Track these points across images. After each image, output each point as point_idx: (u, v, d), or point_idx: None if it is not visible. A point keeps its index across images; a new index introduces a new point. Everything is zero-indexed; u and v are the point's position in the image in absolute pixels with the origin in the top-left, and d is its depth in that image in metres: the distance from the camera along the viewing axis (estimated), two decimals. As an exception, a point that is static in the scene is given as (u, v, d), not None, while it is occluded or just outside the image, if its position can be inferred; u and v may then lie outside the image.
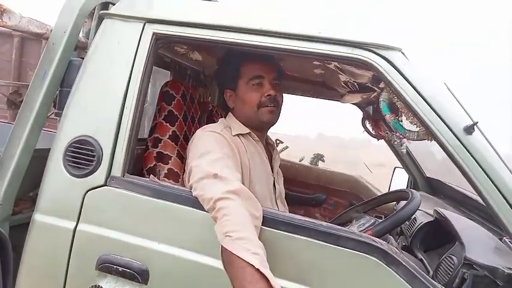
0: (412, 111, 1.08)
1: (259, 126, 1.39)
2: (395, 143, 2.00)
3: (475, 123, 1.02)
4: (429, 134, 1.08)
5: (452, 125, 1.04)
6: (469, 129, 1.03)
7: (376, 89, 1.68)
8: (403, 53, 1.11)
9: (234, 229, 0.95)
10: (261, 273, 0.89)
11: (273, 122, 1.40)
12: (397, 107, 1.14)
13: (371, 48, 1.10)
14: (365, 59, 1.10)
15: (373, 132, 2.18)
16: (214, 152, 1.17)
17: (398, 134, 1.97)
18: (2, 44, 3.40)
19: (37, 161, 1.23)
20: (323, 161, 5.35)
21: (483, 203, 1.05)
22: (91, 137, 1.19)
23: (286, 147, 3.73)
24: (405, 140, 2.00)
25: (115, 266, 1.11)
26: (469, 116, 1.04)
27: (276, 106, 1.35)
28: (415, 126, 1.13)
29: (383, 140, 2.17)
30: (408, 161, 2.30)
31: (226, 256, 0.94)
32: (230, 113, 1.43)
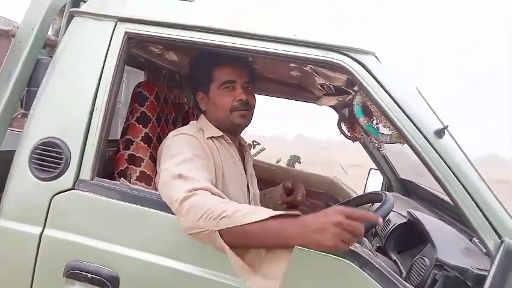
0: (385, 114, 1.09)
1: (231, 129, 1.38)
2: (375, 145, 2.02)
3: (445, 127, 1.04)
4: (401, 137, 1.09)
5: (423, 129, 1.06)
6: (440, 133, 1.04)
7: (351, 91, 1.69)
8: (376, 57, 1.12)
9: (221, 211, 0.94)
10: (277, 216, 0.91)
11: (245, 125, 1.39)
12: (370, 111, 1.15)
13: (345, 52, 1.10)
14: (338, 62, 1.10)
15: (348, 134, 2.20)
16: (183, 154, 1.15)
17: (360, 135, 2.00)
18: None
19: (1, 164, 1.18)
20: (300, 162, 5.38)
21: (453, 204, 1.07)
22: (58, 138, 1.15)
23: (264, 148, 3.72)
24: (382, 143, 2.04)
25: (83, 273, 1.08)
26: (439, 120, 1.06)
27: (248, 110, 1.35)
28: (388, 129, 1.15)
29: (358, 141, 2.20)
30: (382, 163, 2.34)
31: (233, 235, 0.92)
32: (202, 116, 1.41)
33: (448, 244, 1.25)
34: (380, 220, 0.94)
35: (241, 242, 0.95)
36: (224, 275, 1.05)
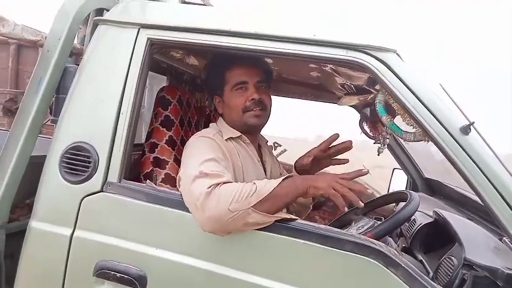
0: (408, 112, 1.07)
1: (247, 130, 1.39)
2: (379, 142, 2.00)
3: (471, 123, 1.02)
4: (426, 135, 1.08)
5: (448, 126, 1.04)
6: (466, 130, 1.02)
7: (372, 90, 1.68)
8: (398, 54, 1.11)
9: (248, 190, 1.04)
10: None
11: (260, 125, 1.40)
12: (393, 109, 1.14)
13: (366, 50, 1.10)
14: (359, 61, 1.10)
15: (371, 134, 2.18)
16: (203, 155, 1.16)
17: (383, 133, 1.98)
18: (-2, 52, 3.40)
19: (33, 168, 1.23)
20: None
21: (482, 203, 1.05)
22: (87, 143, 1.18)
23: (285, 150, 3.71)
24: (387, 140, 2.01)
25: (112, 272, 1.10)
26: (465, 116, 1.04)
27: (262, 109, 1.35)
28: (412, 127, 1.13)
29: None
30: (406, 162, 2.30)
31: (264, 204, 1.04)
32: (220, 118, 1.44)
33: (476, 243, 1.22)
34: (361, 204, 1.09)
35: (270, 207, 1.06)
36: (251, 275, 1.06)
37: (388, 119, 1.15)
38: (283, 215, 1.08)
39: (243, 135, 1.38)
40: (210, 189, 1.03)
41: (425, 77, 1.08)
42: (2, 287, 0.76)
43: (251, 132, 1.41)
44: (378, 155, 2.02)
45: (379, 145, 1.94)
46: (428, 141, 1.10)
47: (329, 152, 1.45)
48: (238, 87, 1.35)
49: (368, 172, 1.19)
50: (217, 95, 1.42)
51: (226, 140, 1.33)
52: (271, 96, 1.42)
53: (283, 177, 1.10)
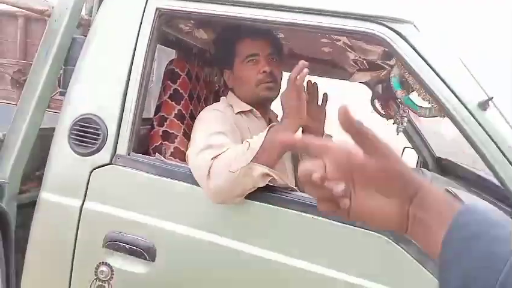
0: (424, 86, 1.04)
1: (259, 103, 1.37)
2: (396, 121, 1.96)
3: (490, 99, 0.98)
4: (441, 110, 1.05)
5: (465, 101, 1.00)
6: (484, 105, 0.99)
7: (386, 66, 1.63)
8: (415, 26, 1.06)
9: (242, 148, 1.05)
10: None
11: (272, 97, 1.38)
12: (409, 83, 1.11)
13: (381, 22, 1.05)
14: (374, 32, 1.06)
15: (382, 111, 2.14)
16: (212, 128, 1.16)
17: (401, 112, 1.93)
18: (6, 25, 3.36)
19: (43, 140, 1.23)
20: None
21: (497, 183, 1.02)
22: (95, 115, 1.17)
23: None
24: (405, 119, 1.97)
25: (121, 244, 1.11)
26: (484, 92, 1.01)
27: (273, 81, 1.33)
28: (427, 102, 1.10)
29: (389, 121, 2.13)
30: (418, 141, 2.26)
31: (260, 158, 1.03)
32: (230, 92, 1.42)
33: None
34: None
35: (270, 158, 1.05)
36: (260, 248, 1.06)
37: (403, 94, 1.12)
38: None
39: (253, 109, 1.36)
40: (212, 160, 1.03)
41: (444, 50, 1.04)
42: (12, 256, 0.77)
43: (262, 105, 1.40)
44: (397, 134, 1.99)
45: (397, 125, 1.90)
46: (443, 116, 1.07)
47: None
48: (249, 59, 1.33)
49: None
50: (227, 68, 1.40)
51: (236, 113, 1.32)
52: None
53: (268, 127, 1.11)
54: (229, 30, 1.33)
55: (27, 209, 1.22)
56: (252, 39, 1.33)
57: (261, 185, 1.05)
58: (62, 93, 1.27)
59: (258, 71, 1.32)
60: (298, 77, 1.09)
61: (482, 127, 0.99)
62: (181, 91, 1.45)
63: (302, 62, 1.09)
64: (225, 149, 1.07)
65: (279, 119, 1.71)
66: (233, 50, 1.35)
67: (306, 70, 1.09)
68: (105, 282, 1.12)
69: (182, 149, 1.37)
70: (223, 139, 1.12)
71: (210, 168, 1.03)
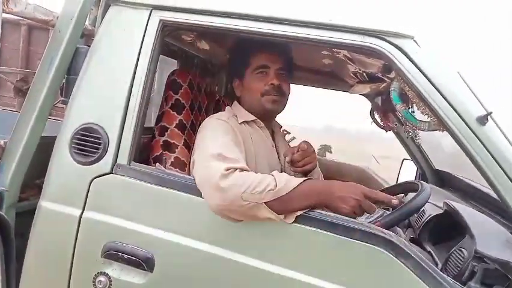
0: (424, 101, 1.05)
1: (263, 114, 1.39)
2: (409, 134, 1.97)
3: (489, 113, 1.00)
4: (441, 124, 1.05)
5: (464, 115, 1.01)
6: (482, 120, 1.00)
7: (386, 79, 1.65)
8: (415, 41, 1.08)
9: (265, 184, 1.01)
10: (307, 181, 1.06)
11: (276, 111, 1.41)
12: (408, 97, 1.12)
13: (382, 36, 1.07)
14: (375, 47, 1.07)
15: (381, 123, 2.15)
16: (219, 138, 1.17)
17: (409, 124, 1.94)
18: (10, 33, 3.39)
19: (44, 149, 1.23)
20: (331, 152, 5.31)
21: (495, 197, 1.03)
22: (97, 124, 1.18)
23: (293, 138, 3.70)
24: (416, 130, 1.97)
25: (120, 254, 1.11)
26: (483, 106, 1.02)
27: (280, 95, 1.36)
28: (426, 116, 1.11)
29: (389, 132, 2.14)
30: (416, 153, 2.27)
31: (279, 203, 1.01)
32: (235, 102, 1.44)
33: (487, 236, 1.20)
34: (395, 201, 1.07)
35: (285, 208, 1.03)
36: (259, 261, 1.06)
37: (403, 108, 1.12)
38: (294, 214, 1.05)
39: (257, 120, 1.38)
40: (227, 172, 1.02)
41: (443, 64, 1.06)
42: (13, 264, 0.77)
43: (266, 117, 1.42)
44: (407, 138, 1.97)
45: (411, 136, 1.90)
46: (442, 131, 1.08)
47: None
48: (259, 71, 1.36)
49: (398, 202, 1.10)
50: (237, 77, 1.43)
51: (240, 123, 1.33)
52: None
53: (304, 179, 1.06)
54: (246, 41, 1.36)
55: (26, 217, 1.22)
56: (265, 52, 1.36)
57: (256, 221, 1.05)
58: (64, 102, 1.27)
59: (266, 83, 1.35)
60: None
61: (481, 141, 1.00)
62: (182, 101, 1.46)
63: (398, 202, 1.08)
64: (240, 164, 1.06)
65: (287, 138, 1.71)
66: (247, 59, 1.38)
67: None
68: (103, 292, 1.11)
69: (182, 159, 1.37)
70: (233, 151, 1.12)
71: (224, 177, 1.01)
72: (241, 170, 1.05)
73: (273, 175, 1.05)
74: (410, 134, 1.88)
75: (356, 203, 1.02)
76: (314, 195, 1.05)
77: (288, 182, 1.03)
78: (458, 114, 1.01)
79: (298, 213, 1.04)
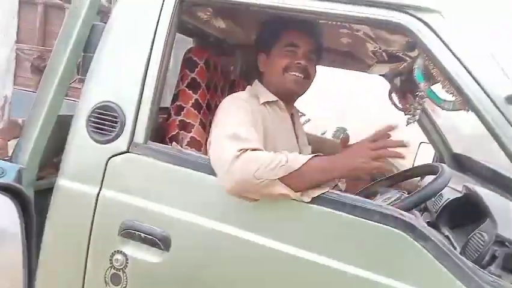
0: (449, 79, 1.01)
1: (284, 94, 1.36)
2: (409, 113, 1.92)
3: (519, 93, 0.95)
4: (466, 103, 1.01)
5: (492, 94, 0.97)
6: (511, 99, 0.96)
7: (406, 58, 1.60)
8: (442, 15, 1.03)
9: (278, 161, 1.00)
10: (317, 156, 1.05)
11: (297, 92, 1.37)
12: (432, 75, 1.08)
13: (407, 11, 1.02)
14: (400, 22, 1.03)
15: (400, 105, 2.11)
16: (236, 117, 1.15)
17: (415, 105, 1.90)
18: (26, 13, 3.40)
19: (61, 127, 1.23)
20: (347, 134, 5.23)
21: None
22: (114, 102, 1.17)
23: (309, 119, 3.66)
24: (418, 111, 1.93)
25: (137, 232, 1.11)
26: (513, 86, 0.97)
27: (304, 77, 1.33)
28: (451, 95, 1.07)
29: (405, 116, 2.09)
30: (435, 136, 2.22)
31: (291, 179, 1.00)
32: (256, 81, 1.41)
33: (509, 220, 1.17)
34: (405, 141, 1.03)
35: (298, 184, 1.02)
36: (275, 241, 1.05)
37: (426, 86, 1.08)
38: (313, 193, 1.04)
39: (279, 101, 1.35)
40: (240, 152, 1.01)
41: (472, 40, 1.01)
42: (34, 238, 0.78)
43: (287, 98, 1.39)
44: (407, 125, 1.95)
45: (409, 116, 1.86)
46: (468, 110, 1.04)
47: None
48: (289, 48, 1.33)
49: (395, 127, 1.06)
50: (264, 51, 1.39)
51: (261, 104, 1.30)
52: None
53: (312, 155, 1.05)
54: (280, 18, 1.32)
55: (44, 195, 1.24)
56: (299, 31, 1.34)
57: (273, 199, 1.03)
58: (81, 80, 1.27)
59: (292, 61, 1.32)
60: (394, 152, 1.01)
61: (509, 122, 0.96)
62: (198, 80, 1.44)
63: (406, 143, 1.03)
64: (254, 144, 1.05)
65: (302, 119, 1.70)
66: (277, 35, 1.35)
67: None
68: (119, 271, 1.12)
69: (198, 139, 1.36)
70: (249, 131, 1.11)
71: (236, 158, 1.00)
72: (254, 150, 1.04)
73: (283, 152, 1.04)
74: (411, 112, 1.84)
75: (366, 157, 1.00)
76: (327, 166, 1.04)
77: (298, 157, 1.03)
78: (485, 93, 0.97)
79: (317, 192, 1.03)
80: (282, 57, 1.33)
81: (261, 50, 1.41)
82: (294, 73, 1.31)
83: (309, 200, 1.03)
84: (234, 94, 1.33)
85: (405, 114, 1.94)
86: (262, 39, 1.44)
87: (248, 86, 1.42)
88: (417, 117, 1.92)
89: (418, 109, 1.86)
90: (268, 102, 1.33)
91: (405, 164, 2.53)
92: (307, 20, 1.27)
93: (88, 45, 1.26)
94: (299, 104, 1.55)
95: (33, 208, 1.17)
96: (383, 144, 1.01)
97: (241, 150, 1.02)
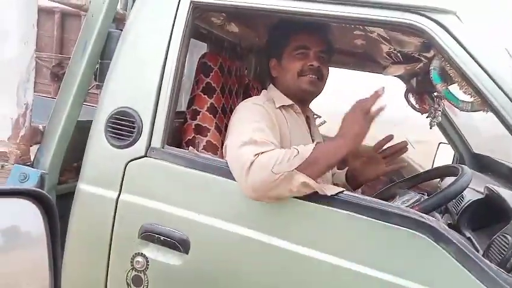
0: (467, 80, 0.99)
1: (299, 96, 1.36)
2: (431, 115, 1.90)
3: (539, 92, 0.93)
4: (485, 104, 1.00)
5: (511, 93, 0.95)
6: (532, 99, 0.93)
7: (422, 58, 1.58)
8: (458, 16, 1.01)
9: (289, 154, 1.02)
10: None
11: (313, 93, 1.37)
12: (449, 76, 1.06)
13: (422, 12, 1.01)
14: (415, 23, 1.02)
15: (417, 106, 2.08)
16: (252, 122, 1.15)
17: (436, 106, 1.87)
18: (44, 21, 3.48)
19: (80, 133, 1.26)
20: (363, 137, 5.15)
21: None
22: (131, 108, 1.19)
23: (324, 121, 3.63)
24: (439, 113, 1.90)
25: (156, 235, 1.13)
26: (533, 85, 0.95)
27: (318, 78, 1.32)
28: (469, 96, 1.05)
29: (423, 116, 2.07)
30: (454, 136, 2.19)
31: (307, 167, 1.01)
32: (271, 85, 1.41)
33: (533, 222, 1.14)
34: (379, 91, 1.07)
35: (314, 171, 1.03)
36: (294, 244, 1.05)
37: (443, 87, 1.07)
38: (332, 190, 1.04)
39: (294, 105, 1.35)
40: (255, 156, 1.01)
41: (488, 40, 0.99)
42: (58, 242, 0.80)
43: (303, 100, 1.39)
44: (431, 128, 1.93)
45: (430, 118, 1.84)
46: (487, 111, 1.03)
47: (383, 154, 1.42)
48: (300, 51, 1.33)
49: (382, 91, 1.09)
50: (275, 57, 1.39)
51: (277, 108, 1.30)
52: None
53: (316, 142, 1.10)
54: (287, 21, 1.33)
55: (66, 199, 1.26)
56: (306, 33, 1.33)
57: (298, 194, 1.03)
58: (99, 87, 1.30)
59: (304, 63, 1.31)
60: (373, 108, 1.06)
61: (530, 122, 0.94)
62: (213, 84, 1.46)
63: (381, 89, 1.08)
64: (270, 147, 1.06)
65: (318, 121, 1.70)
66: (287, 39, 1.35)
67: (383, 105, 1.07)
68: (141, 272, 1.14)
69: (214, 143, 1.37)
70: (267, 136, 1.11)
71: (252, 163, 1.01)
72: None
73: (295, 147, 1.06)
74: (431, 114, 1.82)
75: (364, 122, 1.05)
76: (333, 146, 1.07)
77: (306, 146, 1.05)
78: (505, 93, 0.95)
79: (339, 189, 1.04)
80: (295, 61, 1.33)
81: (272, 56, 1.41)
82: (308, 77, 1.31)
83: (331, 194, 1.03)
84: (250, 99, 1.34)
85: (427, 117, 1.92)
86: (271, 45, 1.44)
87: (263, 90, 1.42)
88: (439, 118, 1.90)
89: (439, 110, 1.84)
90: (284, 106, 1.32)
91: (424, 165, 2.50)
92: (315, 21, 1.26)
93: (105, 52, 1.28)
94: (314, 105, 1.54)
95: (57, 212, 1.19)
96: (368, 104, 1.05)
97: (256, 154, 1.02)
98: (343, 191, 1.05)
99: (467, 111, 1.07)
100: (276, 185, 1.00)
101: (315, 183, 1.02)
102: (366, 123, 1.05)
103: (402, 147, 1.40)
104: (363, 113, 1.05)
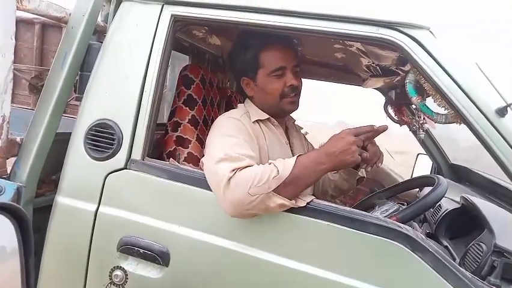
0: (441, 93, 1.03)
1: (280, 115, 1.37)
2: (414, 127, 1.94)
3: (509, 105, 0.97)
4: (458, 116, 1.03)
5: (483, 107, 0.99)
6: (502, 111, 0.97)
7: (400, 72, 1.62)
8: (431, 32, 1.05)
9: (268, 173, 1.01)
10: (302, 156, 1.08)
11: (294, 110, 1.38)
12: (424, 89, 1.10)
13: (397, 27, 1.05)
14: (390, 38, 1.05)
15: (395, 117, 2.13)
16: (228, 137, 1.15)
17: (418, 119, 1.92)
18: (24, 32, 3.44)
19: (59, 145, 1.24)
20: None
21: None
22: (111, 120, 1.19)
23: (306, 133, 3.68)
24: (426, 125, 1.95)
25: (136, 248, 1.12)
26: (502, 97, 0.99)
27: (297, 95, 1.33)
28: (443, 108, 1.09)
29: (403, 127, 2.12)
30: (432, 147, 2.24)
31: (285, 187, 1.01)
32: (248, 100, 1.38)
33: (507, 230, 1.18)
34: (381, 127, 1.13)
35: (293, 190, 1.03)
36: (274, 255, 1.06)
37: (418, 100, 1.10)
38: (306, 198, 1.06)
39: (271, 118, 1.34)
40: (232, 173, 1.01)
41: (460, 55, 1.03)
42: (32, 258, 0.78)
43: (281, 116, 1.39)
44: (419, 140, 1.96)
45: (417, 131, 1.88)
46: (460, 123, 1.06)
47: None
48: (277, 73, 1.28)
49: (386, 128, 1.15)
50: (246, 77, 1.34)
51: (253, 122, 1.29)
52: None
53: (296, 156, 1.06)
54: (252, 37, 1.30)
55: (43, 212, 1.24)
56: (278, 50, 1.29)
57: (274, 213, 1.04)
58: (78, 99, 1.28)
59: (284, 84, 1.29)
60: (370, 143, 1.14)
61: (500, 134, 0.98)
62: (195, 97, 1.46)
63: (384, 128, 1.13)
64: (246, 163, 1.05)
65: (302, 130, 1.70)
66: (257, 59, 1.30)
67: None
68: (119, 287, 1.12)
69: (195, 154, 1.37)
70: (245, 150, 1.11)
71: (230, 180, 1.01)
72: (246, 167, 1.04)
73: (271, 163, 1.05)
74: (415, 127, 1.86)
75: (355, 148, 1.05)
76: (315, 166, 1.05)
77: (286, 164, 1.04)
78: (476, 106, 0.99)
79: (309, 198, 1.06)
80: (273, 83, 1.29)
81: (243, 75, 1.35)
82: (290, 98, 1.30)
83: (304, 204, 1.04)
84: (226, 113, 1.32)
85: (410, 130, 1.96)
86: (240, 65, 1.35)
87: (240, 104, 1.40)
88: (426, 128, 1.94)
89: (425, 123, 1.88)
90: (260, 120, 1.32)
91: (404, 176, 2.55)
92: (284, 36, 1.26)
93: (85, 64, 1.28)
94: (298, 117, 1.55)
95: (32, 226, 1.17)
96: (362, 132, 1.09)
97: (233, 170, 1.02)
98: (312, 200, 1.07)
99: (441, 123, 1.10)
100: (253, 206, 1.01)
101: (292, 202, 1.02)
102: (352, 143, 1.04)
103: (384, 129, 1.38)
104: (352, 134, 1.07)
